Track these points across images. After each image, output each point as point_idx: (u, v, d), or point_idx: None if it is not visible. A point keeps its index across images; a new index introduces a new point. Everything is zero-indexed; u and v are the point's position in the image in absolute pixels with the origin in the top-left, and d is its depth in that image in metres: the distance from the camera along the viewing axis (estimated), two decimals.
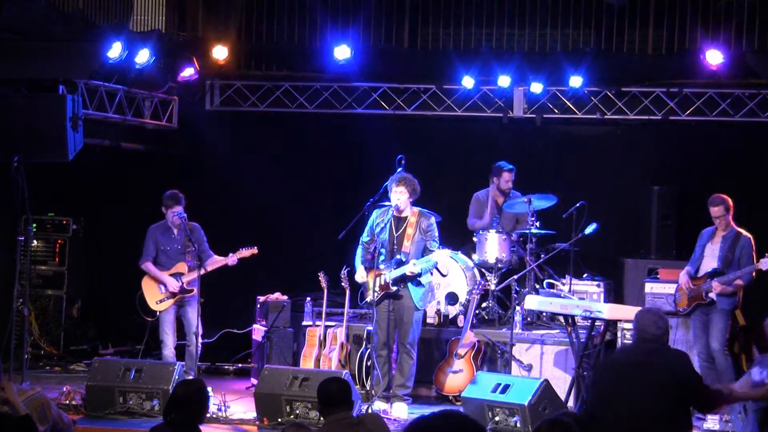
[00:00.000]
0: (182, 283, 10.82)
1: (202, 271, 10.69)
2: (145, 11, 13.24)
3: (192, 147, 13.57)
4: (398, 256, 10.31)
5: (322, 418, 9.35)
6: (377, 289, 10.25)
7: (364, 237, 10.54)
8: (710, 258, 10.52)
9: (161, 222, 10.97)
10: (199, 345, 10.78)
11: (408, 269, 10.22)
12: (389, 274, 10.26)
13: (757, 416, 8.43)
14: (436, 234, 10.45)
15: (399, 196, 10.26)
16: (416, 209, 10.47)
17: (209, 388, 6.98)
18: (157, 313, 10.85)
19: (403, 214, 10.38)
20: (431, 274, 10.78)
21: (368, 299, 10.49)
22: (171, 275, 10.84)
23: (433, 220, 10.51)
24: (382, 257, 10.30)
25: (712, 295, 10.36)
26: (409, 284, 10.32)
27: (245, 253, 10.89)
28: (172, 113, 13.42)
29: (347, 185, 12.92)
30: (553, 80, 12.77)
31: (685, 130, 12.97)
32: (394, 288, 10.30)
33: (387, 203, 10.49)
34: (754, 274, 10.26)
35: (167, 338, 10.83)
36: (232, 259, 10.86)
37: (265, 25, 13.59)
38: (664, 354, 7.24)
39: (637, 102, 12.93)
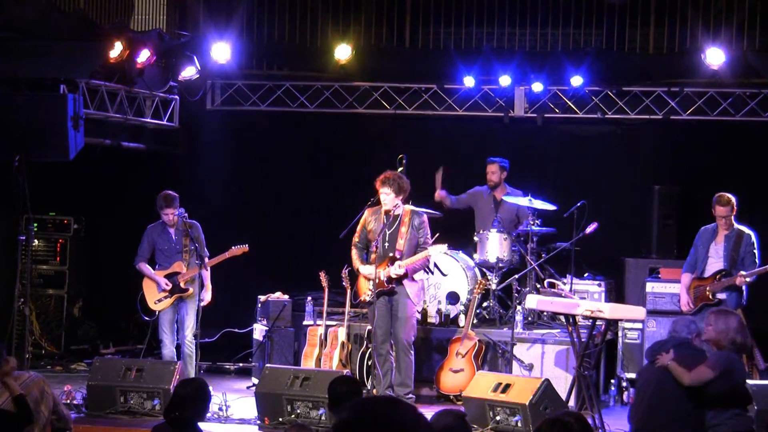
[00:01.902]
0: (178, 283, 10.82)
1: (204, 271, 10.69)
2: (145, 10, 13.24)
3: (193, 146, 13.56)
4: (392, 254, 10.32)
5: (322, 418, 9.42)
6: (371, 287, 10.25)
7: (356, 237, 10.54)
8: (715, 258, 10.50)
9: (158, 222, 10.97)
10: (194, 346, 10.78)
11: (393, 271, 10.24)
12: (382, 272, 10.27)
13: (757, 416, 8.45)
14: (429, 232, 10.46)
15: (385, 197, 10.27)
16: (408, 208, 10.47)
17: (210, 388, 6.98)
18: (156, 313, 10.85)
19: (396, 213, 10.37)
20: (427, 271, 10.79)
21: (362, 298, 10.52)
22: (168, 275, 10.84)
23: (425, 217, 10.52)
24: (375, 254, 10.30)
25: (720, 295, 10.35)
26: (404, 281, 10.33)
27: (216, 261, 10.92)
28: (173, 113, 13.40)
29: (348, 185, 12.91)
30: (554, 79, 12.75)
31: (686, 130, 12.95)
32: (389, 285, 10.31)
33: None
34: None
35: (166, 338, 10.85)
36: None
37: (266, 25, 13.59)
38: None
39: (638, 101, 12.91)
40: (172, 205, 10.77)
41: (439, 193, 12.19)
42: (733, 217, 10.46)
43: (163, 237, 10.93)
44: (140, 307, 10.94)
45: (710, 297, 10.38)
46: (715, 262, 10.50)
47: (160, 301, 10.83)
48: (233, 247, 10.92)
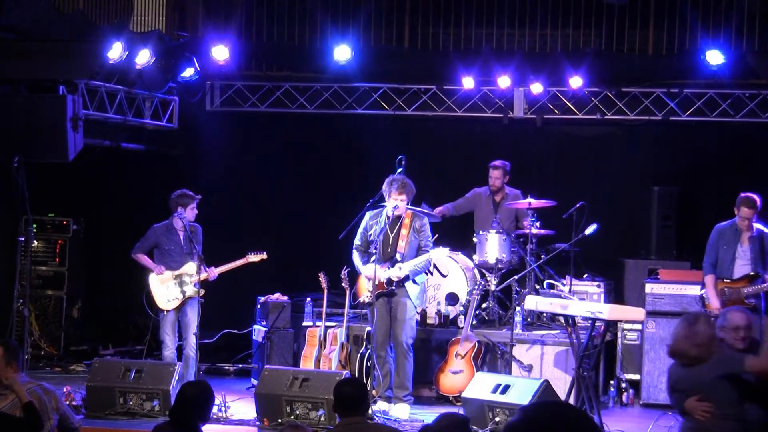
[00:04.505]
0: (190, 284, 10.81)
1: (210, 275, 10.69)
2: (145, 11, 13.24)
3: (192, 147, 13.56)
4: (393, 256, 10.32)
5: (322, 419, 9.42)
6: (371, 288, 10.25)
7: (357, 241, 10.53)
8: (743, 260, 10.47)
9: (165, 222, 10.96)
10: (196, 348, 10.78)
11: (393, 273, 10.23)
12: (383, 274, 10.26)
13: None
14: (430, 234, 10.46)
15: (400, 203, 10.25)
16: (409, 210, 10.47)
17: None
18: (165, 312, 10.83)
19: (397, 215, 10.37)
20: (429, 273, 10.78)
21: (361, 299, 10.52)
22: (179, 275, 10.82)
23: (426, 220, 10.53)
24: (375, 257, 10.29)
25: (753, 300, 10.32)
26: (405, 283, 10.33)
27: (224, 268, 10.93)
28: (173, 114, 13.40)
29: (347, 186, 12.92)
30: (553, 81, 12.75)
31: (685, 131, 12.95)
32: (389, 287, 10.30)
33: (382, 204, 10.48)
34: None
35: (168, 339, 10.83)
36: (212, 274, 10.85)
37: (266, 25, 13.58)
38: None
39: (638, 102, 12.91)
40: (194, 198, 10.79)
41: (437, 211, 12.12)
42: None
43: (170, 238, 10.90)
44: (147, 306, 10.91)
45: (744, 300, 10.34)
46: (743, 265, 10.45)
47: (171, 300, 10.80)
48: (249, 254, 10.92)
